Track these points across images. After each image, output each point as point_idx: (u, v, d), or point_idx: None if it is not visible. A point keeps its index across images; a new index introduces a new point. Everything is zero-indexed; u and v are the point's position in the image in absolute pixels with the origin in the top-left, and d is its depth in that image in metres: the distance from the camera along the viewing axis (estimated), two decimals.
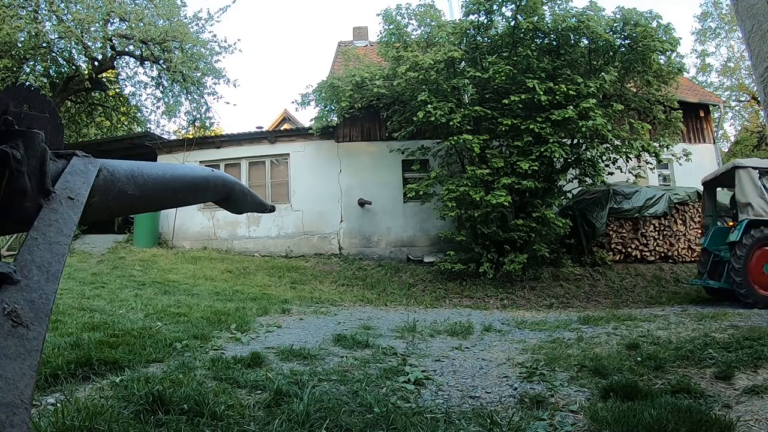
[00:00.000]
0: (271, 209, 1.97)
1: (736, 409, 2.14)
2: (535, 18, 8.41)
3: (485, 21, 8.86)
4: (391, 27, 9.53)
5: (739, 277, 6.52)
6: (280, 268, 9.51)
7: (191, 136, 12.44)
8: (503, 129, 8.29)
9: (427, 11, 9.54)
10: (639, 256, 9.63)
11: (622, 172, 9.59)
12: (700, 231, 8.43)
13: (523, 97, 7.95)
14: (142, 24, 11.34)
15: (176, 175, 1.32)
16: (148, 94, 19.35)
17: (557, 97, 7.90)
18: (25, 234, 0.80)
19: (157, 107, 15.44)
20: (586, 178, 9.18)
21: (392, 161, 10.76)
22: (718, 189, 8.51)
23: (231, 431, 1.83)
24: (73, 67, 12.06)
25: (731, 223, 7.13)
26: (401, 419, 1.99)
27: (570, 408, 2.23)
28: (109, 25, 11.63)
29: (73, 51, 11.67)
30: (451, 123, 8.14)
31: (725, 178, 7.92)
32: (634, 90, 9.84)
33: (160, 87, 13.36)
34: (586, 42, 8.77)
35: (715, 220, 8.00)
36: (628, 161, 9.32)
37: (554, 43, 8.84)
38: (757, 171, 7.11)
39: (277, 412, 2.02)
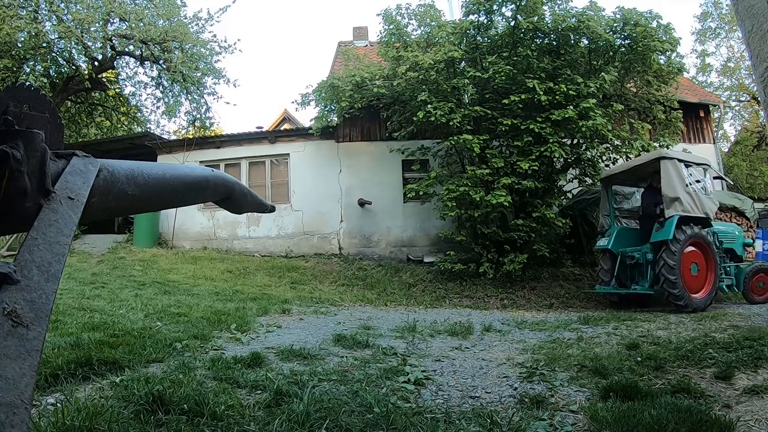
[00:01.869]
0: (271, 209, 1.97)
1: (736, 409, 2.14)
2: (535, 18, 8.41)
3: (485, 21, 8.86)
4: (391, 27, 9.53)
5: (674, 278, 6.00)
6: (280, 268, 9.51)
7: (191, 136, 12.44)
8: (503, 129, 8.28)
9: (427, 11, 9.54)
10: None
11: None
12: (599, 231, 7.72)
13: (523, 97, 7.95)
14: (142, 24, 11.34)
15: (176, 175, 1.32)
16: (148, 94, 19.32)
17: (557, 97, 7.90)
18: (25, 234, 0.80)
19: (157, 107, 15.42)
20: (586, 178, 9.19)
21: (392, 161, 10.76)
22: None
23: (231, 431, 1.83)
24: (73, 67, 12.06)
25: (660, 220, 6.48)
26: (401, 419, 1.99)
27: (570, 408, 2.23)
28: (109, 25, 11.63)
29: (73, 51, 11.67)
30: (451, 123, 8.14)
31: (625, 176, 7.57)
32: (634, 90, 9.84)
33: (160, 87, 13.37)
34: (586, 42, 8.77)
35: (612, 220, 7.53)
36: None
37: (554, 43, 8.83)
38: (683, 164, 6.66)
39: (277, 412, 2.02)
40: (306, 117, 45.72)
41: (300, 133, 11.75)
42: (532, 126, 7.94)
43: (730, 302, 7.23)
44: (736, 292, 7.01)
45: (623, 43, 8.77)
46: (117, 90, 14.87)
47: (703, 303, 6.13)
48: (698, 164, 7.03)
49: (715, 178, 7.39)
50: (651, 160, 6.84)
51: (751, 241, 8.09)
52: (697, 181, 6.74)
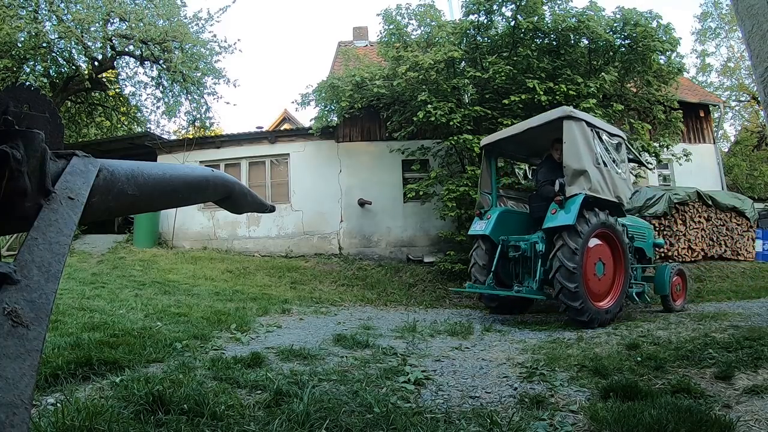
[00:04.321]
0: (271, 209, 1.97)
1: (736, 409, 2.14)
2: (535, 18, 8.41)
3: (485, 21, 8.86)
4: (391, 27, 9.53)
5: (574, 279, 4.55)
6: (280, 268, 9.51)
7: (191, 136, 12.44)
8: (503, 129, 8.28)
9: (427, 11, 9.54)
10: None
11: None
12: (477, 213, 5.97)
13: (523, 97, 7.95)
14: (142, 24, 11.35)
15: (176, 175, 1.32)
16: (148, 94, 19.47)
17: (557, 97, 7.90)
18: (25, 234, 0.80)
19: (157, 107, 15.50)
20: None
21: (392, 161, 10.76)
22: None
23: (231, 431, 1.83)
24: (73, 67, 12.07)
25: (558, 199, 4.90)
26: (401, 419, 1.99)
27: (570, 408, 2.23)
28: (109, 25, 11.64)
29: (73, 51, 11.69)
30: (451, 123, 8.14)
31: (514, 146, 6.24)
32: (634, 90, 9.85)
33: (160, 87, 13.37)
34: (586, 42, 8.77)
35: (495, 199, 6.04)
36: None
37: (554, 43, 8.84)
38: (592, 129, 5.17)
39: (277, 412, 2.02)
40: (306, 117, 45.84)
41: (300, 133, 11.75)
42: None
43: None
44: (647, 301, 5.84)
45: (623, 43, 8.77)
46: (117, 90, 14.88)
47: (608, 314, 4.85)
48: (612, 134, 5.61)
49: (630, 160, 6.04)
50: (551, 121, 5.24)
51: (663, 241, 6.81)
52: (613, 160, 5.42)
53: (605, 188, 5.07)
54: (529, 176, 7.19)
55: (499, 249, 5.45)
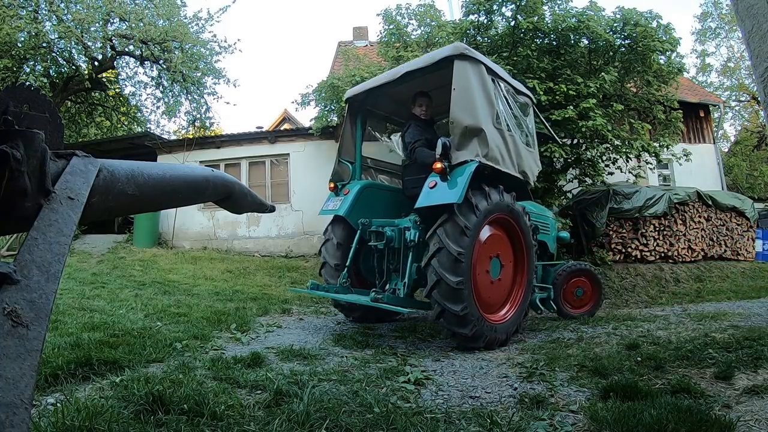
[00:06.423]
0: (271, 209, 1.97)
1: (736, 409, 2.14)
2: (535, 18, 8.41)
3: (485, 21, 8.86)
4: (391, 27, 9.54)
5: (458, 276, 3.24)
6: (280, 268, 9.51)
7: (191, 136, 12.44)
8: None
9: (427, 11, 9.54)
10: (639, 256, 9.64)
11: (622, 172, 9.59)
12: (331, 186, 4.76)
13: None
14: (142, 24, 11.36)
15: (176, 175, 1.33)
16: (148, 94, 19.50)
17: (557, 97, 7.90)
18: (25, 234, 0.80)
19: (157, 107, 15.51)
20: (586, 178, 9.18)
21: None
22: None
23: (231, 431, 1.83)
24: (73, 67, 12.08)
25: (438, 166, 3.42)
26: (401, 419, 1.99)
27: (570, 408, 2.23)
28: (109, 25, 11.65)
29: (73, 51, 11.69)
30: None
31: (389, 101, 4.96)
32: (634, 90, 9.85)
33: (160, 87, 13.38)
34: (586, 42, 8.77)
35: (359, 169, 4.71)
36: (628, 161, 9.31)
37: (554, 43, 8.84)
38: (493, 79, 3.83)
39: (277, 412, 2.02)
40: (306, 117, 45.90)
41: (300, 133, 11.75)
42: None
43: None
44: (552, 309, 4.74)
45: (623, 43, 8.78)
46: (117, 90, 14.89)
47: (506, 329, 3.65)
48: (519, 92, 4.30)
49: (544, 131, 4.71)
50: (437, 62, 3.74)
51: (567, 235, 5.92)
52: (518, 124, 4.12)
53: (507, 158, 3.72)
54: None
55: (357, 236, 4.15)
